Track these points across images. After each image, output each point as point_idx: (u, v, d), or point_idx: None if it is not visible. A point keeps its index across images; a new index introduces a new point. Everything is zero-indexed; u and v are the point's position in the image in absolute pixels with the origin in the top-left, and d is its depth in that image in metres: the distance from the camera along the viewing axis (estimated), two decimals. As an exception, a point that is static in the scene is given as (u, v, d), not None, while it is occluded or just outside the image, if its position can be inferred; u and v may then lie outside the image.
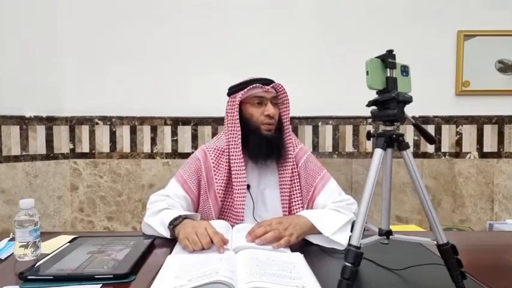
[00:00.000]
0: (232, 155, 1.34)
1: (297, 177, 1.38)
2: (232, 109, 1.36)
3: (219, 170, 1.36)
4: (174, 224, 1.12)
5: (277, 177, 1.40)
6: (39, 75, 2.24)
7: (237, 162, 1.34)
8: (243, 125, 1.36)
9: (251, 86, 1.33)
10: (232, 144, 1.35)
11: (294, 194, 1.37)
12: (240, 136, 1.35)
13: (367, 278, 0.90)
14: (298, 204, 1.36)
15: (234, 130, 1.35)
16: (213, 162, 1.37)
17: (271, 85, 1.37)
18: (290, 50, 2.34)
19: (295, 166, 1.39)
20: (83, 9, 2.33)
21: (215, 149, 1.39)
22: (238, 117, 1.35)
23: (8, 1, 2.13)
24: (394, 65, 0.80)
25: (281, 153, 1.37)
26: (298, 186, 1.38)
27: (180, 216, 1.15)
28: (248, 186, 1.37)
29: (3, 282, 0.83)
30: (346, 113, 2.36)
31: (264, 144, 1.34)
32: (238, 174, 1.33)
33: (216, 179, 1.36)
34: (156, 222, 1.20)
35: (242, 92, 1.34)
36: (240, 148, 1.34)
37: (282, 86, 1.39)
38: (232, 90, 1.38)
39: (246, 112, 1.37)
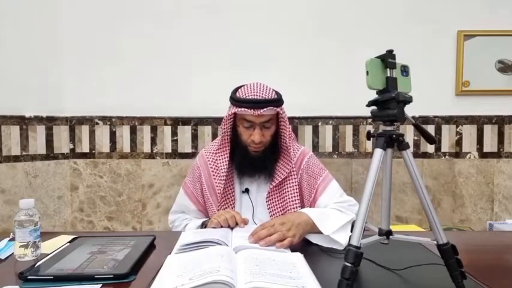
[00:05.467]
0: (220, 163, 1.35)
1: (297, 184, 1.35)
2: (225, 122, 1.33)
3: (218, 173, 1.36)
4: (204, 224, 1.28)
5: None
6: (39, 75, 2.24)
7: (221, 172, 1.34)
8: (235, 136, 1.34)
9: (240, 109, 1.26)
10: (220, 153, 1.36)
11: (291, 199, 1.34)
12: (228, 149, 1.35)
13: (367, 278, 0.90)
14: (294, 209, 1.32)
15: (224, 140, 1.35)
16: (212, 167, 1.38)
17: (263, 109, 1.24)
18: (290, 50, 2.34)
19: (296, 173, 1.36)
20: (83, 9, 2.33)
21: (213, 152, 1.40)
22: (230, 131, 1.34)
23: (8, 1, 2.13)
24: (394, 65, 0.80)
25: (271, 169, 1.34)
26: (297, 191, 1.34)
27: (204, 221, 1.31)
28: (247, 190, 1.37)
29: (3, 282, 0.83)
30: (346, 113, 2.36)
31: (247, 164, 1.33)
32: (219, 181, 1.34)
33: (216, 183, 1.36)
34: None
35: (233, 109, 1.29)
36: (227, 159, 1.34)
37: (275, 109, 1.27)
38: (231, 100, 1.32)
39: (238, 128, 1.33)
